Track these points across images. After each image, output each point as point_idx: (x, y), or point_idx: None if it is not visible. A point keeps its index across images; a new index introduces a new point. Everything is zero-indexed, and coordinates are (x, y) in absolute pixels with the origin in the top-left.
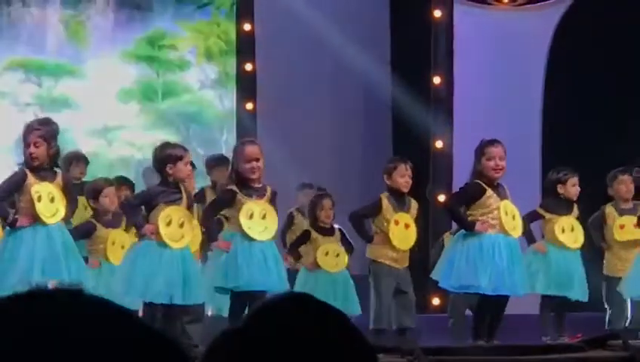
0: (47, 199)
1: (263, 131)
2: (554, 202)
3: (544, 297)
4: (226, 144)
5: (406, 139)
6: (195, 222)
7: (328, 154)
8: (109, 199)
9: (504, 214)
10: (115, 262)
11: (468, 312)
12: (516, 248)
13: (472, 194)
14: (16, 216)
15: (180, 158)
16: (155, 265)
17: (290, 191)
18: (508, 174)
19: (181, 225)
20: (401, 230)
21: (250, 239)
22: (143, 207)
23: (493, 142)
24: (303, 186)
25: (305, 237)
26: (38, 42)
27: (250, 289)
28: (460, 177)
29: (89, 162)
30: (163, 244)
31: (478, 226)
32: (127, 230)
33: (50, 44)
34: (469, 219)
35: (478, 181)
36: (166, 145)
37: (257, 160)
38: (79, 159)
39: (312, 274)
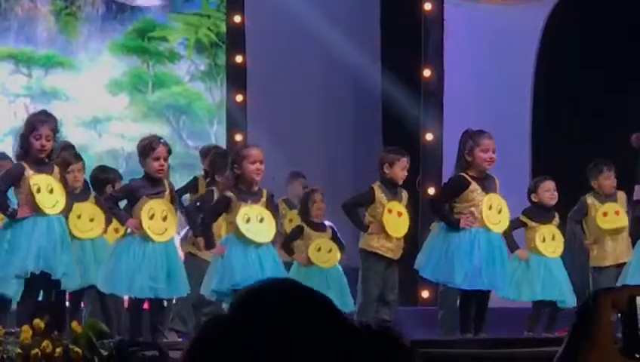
0: (47, 191)
1: (252, 123)
2: (535, 210)
3: (534, 301)
4: (215, 136)
5: (396, 131)
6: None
7: (318, 146)
8: (73, 175)
9: (487, 208)
10: (81, 235)
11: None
12: (498, 243)
13: (456, 188)
14: (15, 208)
15: (148, 153)
16: (139, 259)
17: (281, 184)
18: (496, 168)
19: (164, 219)
20: (395, 218)
21: (246, 242)
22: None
23: (485, 133)
24: (293, 175)
25: (297, 233)
26: (29, 33)
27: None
28: (450, 170)
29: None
30: (146, 238)
31: (462, 223)
32: (108, 223)
33: (41, 35)
34: (455, 211)
35: (463, 174)
36: (143, 138)
37: (261, 162)
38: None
39: (305, 270)
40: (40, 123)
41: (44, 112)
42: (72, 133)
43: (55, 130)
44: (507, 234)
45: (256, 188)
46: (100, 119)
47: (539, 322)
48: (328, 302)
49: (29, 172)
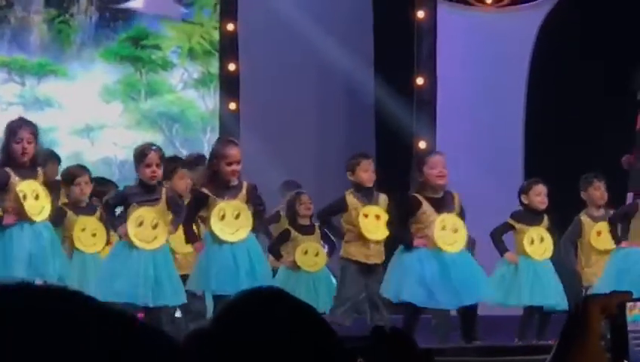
0: (32, 197)
1: (245, 131)
2: (524, 213)
3: (525, 308)
4: (208, 144)
5: (389, 139)
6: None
7: (311, 154)
8: (80, 188)
9: (440, 229)
10: (85, 249)
11: (453, 312)
12: (452, 263)
13: (409, 209)
14: (1, 215)
15: (140, 160)
16: (120, 265)
17: (274, 191)
18: (490, 175)
19: (154, 226)
20: (372, 221)
21: (221, 241)
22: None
23: (432, 151)
24: (288, 185)
25: (285, 237)
26: (22, 41)
27: (219, 292)
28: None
29: (60, 161)
30: (132, 245)
31: (415, 243)
32: (108, 239)
33: (34, 43)
34: (412, 231)
35: (415, 194)
36: (137, 146)
37: (238, 163)
38: (52, 158)
39: (293, 274)
40: (18, 127)
41: (21, 118)
42: (65, 141)
43: (35, 134)
44: (496, 238)
45: (235, 183)
46: (93, 127)
47: (530, 329)
48: (312, 312)
49: (14, 178)
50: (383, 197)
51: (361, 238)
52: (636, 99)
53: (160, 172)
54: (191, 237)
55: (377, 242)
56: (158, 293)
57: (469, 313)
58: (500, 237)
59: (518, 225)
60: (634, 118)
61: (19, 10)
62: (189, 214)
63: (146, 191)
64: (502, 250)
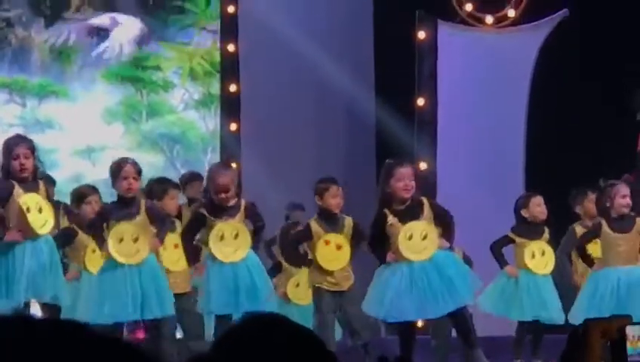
0: (36, 210)
1: (246, 152)
2: (524, 226)
3: (520, 321)
4: (210, 165)
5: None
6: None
7: (312, 175)
8: (91, 207)
9: (406, 239)
10: (94, 270)
11: (454, 333)
12: (422, 271)
13: (377, 224)
14: (2, 230)
15: (116, 174)
16: (107, 285)
17: (274, 212)
18: (491, 195)
19: (135, 240)
20: (332, 251)
21: (221, 262)
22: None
23: (400, 162)
24: (293, 207)
25: (277, 270)
26: (22, 62)
27: (221, 313)
28: (444, 199)
29: (55, 183)
30: (116, 262)
31: (387, 258)
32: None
33: (35, 64)
34: (388, 246)
35: (383, 209)
36: (114, 161)
37: (228, 190)
38: (48, 181)
39: (286, 306)
40: (15, 144)
41: (17, 135)
42: (66, 162)
43: (32, 149)
44: (496, 251)
45: (232, 203)
46: (94, 148)
47: (523, 346)
48: (312, 337)
49: (18, 191)
50: (348, 222)
51: (320, 267)
52: (636, 120)
53: (137, 185)
54: (191, 259)
55: (340, 269)
56: (146, 307)
57: (458, 318)
58: (499, 251)
59: (519, 239)
60: (634, 138)
61: (20, 31)
62: (188, 235)
63: (123, 206)
64: (502, 263)
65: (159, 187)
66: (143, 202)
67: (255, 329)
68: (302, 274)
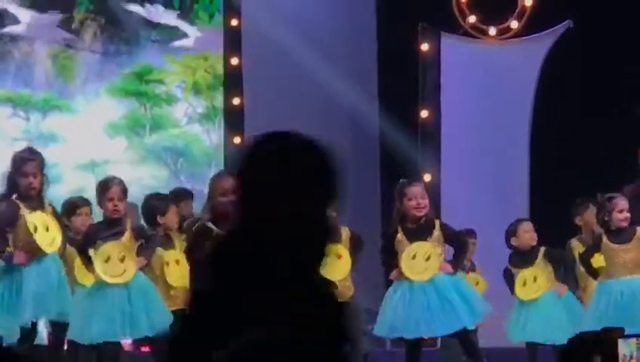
0: (43, 228)
1: None
2: (515, 255)
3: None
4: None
5: (394, 172)
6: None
7: None
8: (82, 219)
9: (409, 258)
10: (84, 281)
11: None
12: (421, 291)
13: (388, 241)
14: (10, 251)
15: (102, 193)
16: (95, 305)
17: None
18: (495, 206)
19: (122, 260)
20: (332, 261)
21: None
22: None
23: (411, 182)
24: None
25: None
26: (26, 76)
27: None
28: (448, 211)
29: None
30: (103, 282)
31: (391, 275)
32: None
33: (38, 78)
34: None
35: (396, 225)
36: (102, 179)
37: (230, 194)
38: None
39: None
40: (26, 161)
41: (29, 150)
42: (69, 176)
43: (41, 166)
44: (506, 277)
45: None
46: (97, 162)
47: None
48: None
49: (23, 210)
50: (345, 232)
51: None
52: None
53: (122, 206)
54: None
55: (340, 280)
56: (135, 327)
57: (460, 339)
58: (508, 280)
59: (514, 269)
60: (636, 148)
61: (24, 45)
62: (193, 249)
63: (109, 227)
64: (511, 288)
65: (161, 203)
66: (128, 221)
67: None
68: None
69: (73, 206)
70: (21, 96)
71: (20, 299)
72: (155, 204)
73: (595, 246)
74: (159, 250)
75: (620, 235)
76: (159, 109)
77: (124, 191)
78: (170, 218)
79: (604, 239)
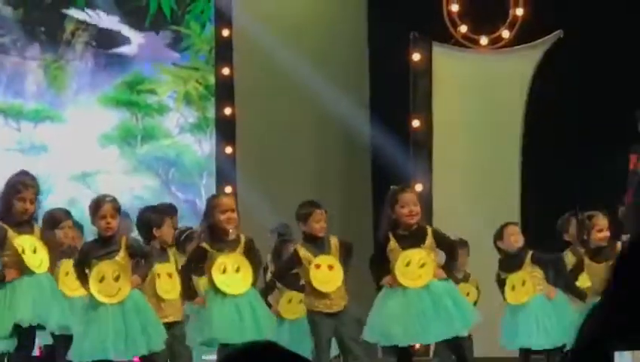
0: (30, 251)
1: (242, 175)
2: (504, 260)
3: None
4: (205, 188)
5: (385, 182)
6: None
7: (308, 197)
8: (64, 232)
9: (403, 265)
10: (69, 293)
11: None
12: (416, 298)
13: (380, 248)
14: (2, 272)
15: (94, 212)
16: (88, 324)
17: (269, 235)
18: (487, 215)
19: (116, 279)
20: (324, 273)
21: (224, 294)
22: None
23: (404, 188)
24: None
25: (271, 288)
26: (18, 87)
27: (224, 342)
28: (440, 220)
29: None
30: (97, 301)
31: (382, 281)
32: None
33: (30, 88)
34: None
35: (387, 233)
36: (94, 197)
37: (232, 210)
38: None
39: (280, 322)
40: (24, 186)
41: (25, 173)
42: (61, 186)
43: (37, 193)
44: (499, 283)
45: (233, 237)
46: (89, 173)
47: None
48: None
49: (11, 234)
50: (334, 242)
51: (314, 290)
52: (629, 138)
53: (115, 223)
54: (189, 295)
55: (335, 291)
56: (130, 346)
57: (453, 347)
58: (500, 287)
59: (503, 274)
60: (627, 156)
61: (14, 56)
62: (188, 270)
63: (103, 245)
64: (503, 294)
65: (157, 216)
66: (123, 239)
67: (250, 357)
68: (294, 292)
69: (55, 220)
70: (12, 106)
71: (16, 307)
72: (151, 217)
73: (578, 268)
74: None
75: (602, 253)
76: (151, 119)
77: (117, 208)
78: (166, 231)
79: (586, 260)
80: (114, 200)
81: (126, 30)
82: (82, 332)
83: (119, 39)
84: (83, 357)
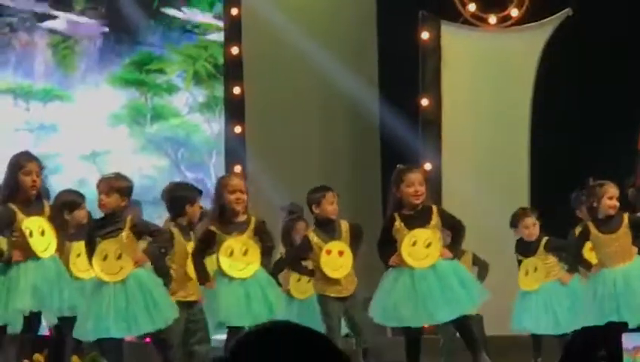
0: (38, 233)
1: (251, 154)
2: (520, 243)
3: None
4: (214, 167)
5: (394, 161)
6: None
7: (317, 177)
8: (84, 213)
9: (409, 245)
10: (81, 274)
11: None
12: (422, 279)
13: (386, 228)
14: (9, 253)
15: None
16: (90, 304)
17: (278, 214)
18: (496, 194)
19: (119, 257)
20: (334, 258)
21: (231, 277)
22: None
23: (410, 168)
24: (290, 207)
25: (280, 268)
26: (27, 67)
27: (232, 324)
28: (449, 199)
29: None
30: (101, 280)
31: (390, 261)
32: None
33: (39, 68)
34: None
35: (393, 212)
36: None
37: (242, 191)
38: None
39: (289, 301)
40: (27, 160)
41: (27, 152)
42: (70, 166)
43: (41, 168)
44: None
45: (242, 218)
46: (98, 152)
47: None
48: (324, 341)
49: (19, 216)
50: (344, 226)
51: (324, 276)
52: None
53: (108, 200)
54: (202, 277)
55: (344, 276)
56: (133, 324)
57: (460, 326)
58: (519, 263)
59: (519, 257)
60: (635, 135)
61: (24, 36)
62: (199, 254)
63: (107, 224)
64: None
65: (192, 193)
66: (128, 219)
67: (271, 336)
68: None
69: (73, 204)
70: (22, 86)
71: (16, 293)
72: (186, 193)
73: (583, 237)
74: (181, 242)
75: (608, 224)
76: (160, 99)
77: (113, 187)
78: (196, 209)
79: (592, 229)
80: (108, 178)
81: (134, 10)
82: (86, 310)
83: (128, 19)
84: (86, 336)
